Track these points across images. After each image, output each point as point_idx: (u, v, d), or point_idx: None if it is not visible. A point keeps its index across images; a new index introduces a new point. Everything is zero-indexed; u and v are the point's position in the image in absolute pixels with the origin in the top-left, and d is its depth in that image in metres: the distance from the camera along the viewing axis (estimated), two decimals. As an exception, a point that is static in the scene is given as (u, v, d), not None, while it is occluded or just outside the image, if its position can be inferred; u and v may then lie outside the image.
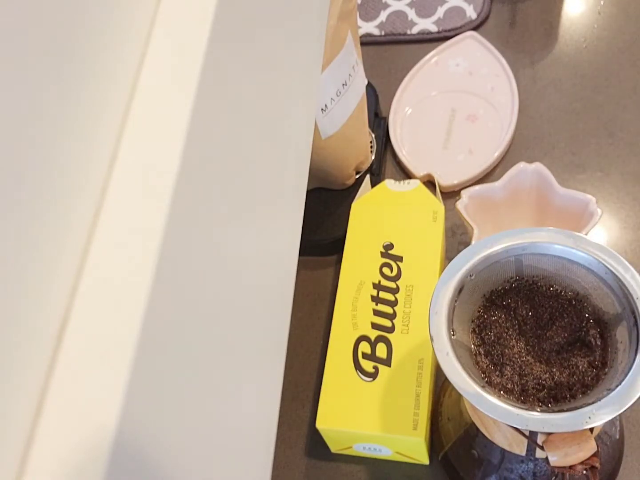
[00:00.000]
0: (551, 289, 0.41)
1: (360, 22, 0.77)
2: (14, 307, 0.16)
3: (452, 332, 0.37)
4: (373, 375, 0.50)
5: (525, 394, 0.38)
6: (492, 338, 0.40)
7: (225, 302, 0.23)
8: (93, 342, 0.17)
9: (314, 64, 0.37)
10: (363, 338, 0.51)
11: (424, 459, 0.51)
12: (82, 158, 0.19)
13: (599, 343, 0.39)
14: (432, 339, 0.37)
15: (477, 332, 0.41)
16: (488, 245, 0.40)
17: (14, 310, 0.16)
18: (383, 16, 0.78)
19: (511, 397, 0.37)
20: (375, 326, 0.52)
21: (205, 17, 0.22)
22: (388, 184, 0.59)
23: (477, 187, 0.56)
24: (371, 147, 0.67)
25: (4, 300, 0.16)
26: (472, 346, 0.40)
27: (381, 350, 0.51)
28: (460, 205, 0.55)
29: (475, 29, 0.74)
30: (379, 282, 0.54)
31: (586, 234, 0.51)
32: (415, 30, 0.76)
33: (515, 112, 0.66)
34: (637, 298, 0.36)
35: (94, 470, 0.15)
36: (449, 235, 0.62)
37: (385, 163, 0.68)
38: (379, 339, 0.51)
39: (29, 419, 0.16)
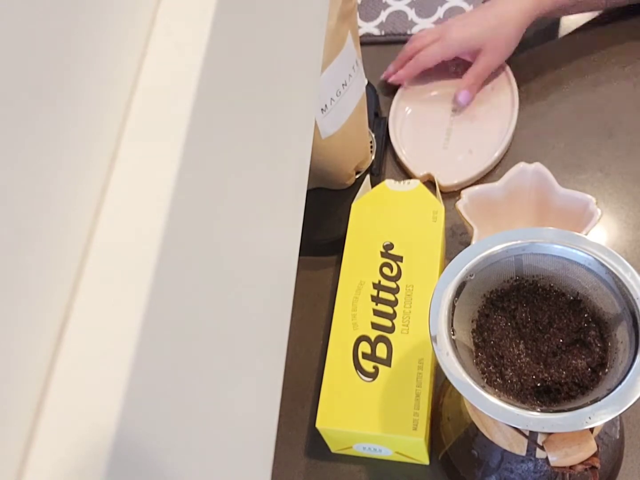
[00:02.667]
0: (551, 289, 0.41)
1: (360, 22, 0.77)
2: (14, 307, 0.16)
3: (452, 332, 0.37)
4: (373, 375, 0.50)
5: (525, 394, 0.38)
6: (493, 338, 0.40)
7: (225, 302, 0.23)
8: (93, 342, 0.17)
9: (314, 64, 0.37)
10: (363, 338, 0.51)
11: (424, 459, 0.51)
12: (82, 158, 0.19)
13: (598, 343, 0.39)
14: (432, 339, 0.37)
15: (477, 332, 0.41)
16: (488, 245, 0.40)
17: (14, 310, 0.16)
18: (383, 16, 0.78)
19: (511, 397, 0.37)
20: (375, 326, 0.52)
21: (204, 17, 0.22)
22: (388, 184, 0.59)
23: (477, 187, 0.56)
24: (371, 147, 0.67)
25: (3, 300, 0.16)
26: (473, 346, 0.40)
27: (381, 350, 0.50)
28: (460, 205, 0.55)
29: (475, 29, 0.74)
30: (379, 282, 0.54)
31: (586, 234, 0.51)
32: (415, 30, 0.76)
33: (515, 112, 0.66)
34: (637, 298, 0.36)
35: (94, 470, 0.15)
36: (449, 235, 0.62)
37: (385, 163, 0.68)
38: (379, 339, 0.51)
39: (28, 419, 0.16)
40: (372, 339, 0.51)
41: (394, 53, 0.74)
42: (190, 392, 0.20)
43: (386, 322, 0.52)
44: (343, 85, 0.56)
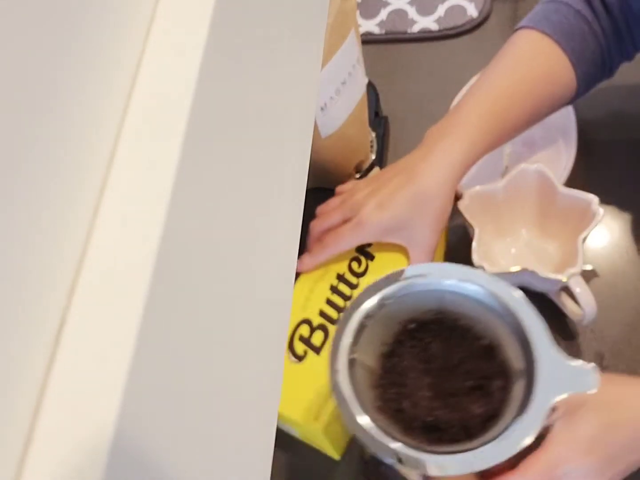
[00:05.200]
0: (470, 330, 0.41)
1: (360, 21, 0.77)
2: (13, 307, 0.16)
3: (352, 350, 0.37)
4: (300, 358, 0.50)
5: (413, 427, 0.38)
6: (401, 366, 0.40)
7: (224, 302, 0.23)
8: (91, 342, 0.17)
9: (314, 63, 0.36)
10: (306, 321, 0.51)
11: (333, 453, 0.51)
12: (80, 157, 0.19)
13: (499, 394, 0.39)
14: (330, 350, 0.37)
15: (387, 356, 0.41)
16: (413, 273, 0.40)
17: (12, 311, 0.16)
18: (383, 14, 0.78)
19: (398, 428, 0.37)
20: (322, 314, 0.51)
21: (203, 17, 0.22)
22: None
23: (478, 188, 0.56)
24: (371, 146, 0.67)
25: (2, 300, 0.16)
26: (380, 369, 0.40)
27: (317, 338, 0.50)
28: (462, 205, 0.54)
29: (476, 27, 0.74)
30: (344, 274, 0.53)
31: (588, 234, 0.51)
32: (415, 28, 0.76)
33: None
34: (536, 359, 0.36)
35: (93, 471, 0.15)
36: (450, 234, 0.62)
37: (385, 162, 0.68)
38: (320, 326, 0.51)
39: (27, 419, 0.16)
40: (314, 324, 0.51)
41: (394, 52, 0.74)
42: (189, 392, 0.20)
43: (333, 314, 0.51)
44: (343, 83, 0.56)
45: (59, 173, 0.18)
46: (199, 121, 0.21)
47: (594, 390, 0.35)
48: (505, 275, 0.52)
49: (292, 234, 0.31)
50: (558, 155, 0.61)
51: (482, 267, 0.52)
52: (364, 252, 0.54)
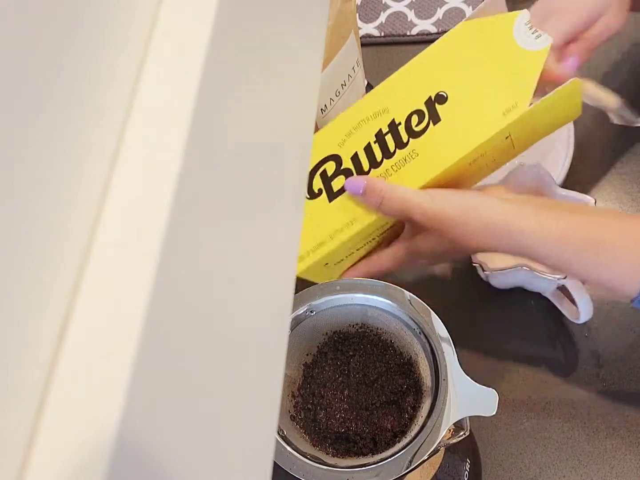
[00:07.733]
0: (391, 345, 0.41)
1: (360, 23, 0.78)
2: (15, 305, 0.16)
3: None
4: (313, 196, 0.44)
5: (324, 436, 0.38)
6: (321, 377, 0.41)
7: (225, 302, 0.23)
8: (95, 341, 0.17)
9: (314, 65, 0.37)
10: (336, 159, 0.45)
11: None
12: (81, 158, 0.19)
13: (409, 410, 0.39)
14: None
15: (310, 366, 0.41)
16: (336, 288, 0.41)
17: (15, 309, 0.16)
18: (383, 17, 0.78)
19: (308, 438, 0.38)
20: (354, 159, 0.45)
21: (206, 17, 0.22)
22: (518, 21, 0.43)
23: (476, 187, 0.56)
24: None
25: (4, 299, 0.16)
26: (300, 377, 0.40)
27: (338, 183, 0.44)
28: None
29: (474, 30, 0.75)
30: (398, 124, 0.44)
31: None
32: (414, 31, 0.76)
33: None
34: (441, 380, 0.36)
35: (96, 470, 0.16)
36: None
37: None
38: (346, 172, 0.44)
39: (30, 418, 0.16)
40: (342, 166, 0.44)
41: (393, 54, 0.74)
42: (192, 392, 0.20)
43: (365, 165, 0.44)
44: (342, 85, 0.56)
45: (62, 170, 0.18)
46: (200, 125, 0.21)
47: (492, 414, 0.35)
48: (502, 274, 0.52)
49: (292, 237, 0.32)
50: (555, 156, 0.61)
51: (480, 265, 0.52)
52: (432, 108, 0.44)
